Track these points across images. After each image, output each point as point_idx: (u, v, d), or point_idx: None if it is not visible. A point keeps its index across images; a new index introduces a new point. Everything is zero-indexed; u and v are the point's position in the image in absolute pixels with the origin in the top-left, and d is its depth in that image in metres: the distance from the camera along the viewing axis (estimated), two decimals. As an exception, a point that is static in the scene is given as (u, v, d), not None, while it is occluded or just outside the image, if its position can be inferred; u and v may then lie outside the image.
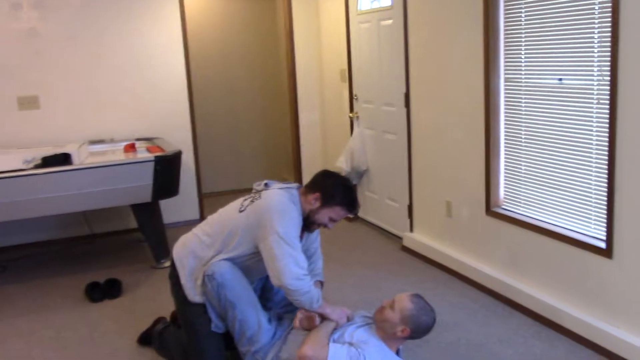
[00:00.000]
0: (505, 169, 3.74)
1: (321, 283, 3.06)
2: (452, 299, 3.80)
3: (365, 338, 2.65)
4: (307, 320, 2.77)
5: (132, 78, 5.38)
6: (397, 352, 2.73)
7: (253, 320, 2.74)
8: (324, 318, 2.77)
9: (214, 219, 2.92)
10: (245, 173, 7.10)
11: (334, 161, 5.60)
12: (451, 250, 4.27)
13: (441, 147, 4.26)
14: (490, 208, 3.80)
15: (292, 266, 2.58)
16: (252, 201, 2.79)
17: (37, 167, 4.04)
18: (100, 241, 5.37)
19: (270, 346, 2.76)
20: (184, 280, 2.83)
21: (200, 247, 2.84)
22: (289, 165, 6.75)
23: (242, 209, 2.80)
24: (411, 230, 4.80)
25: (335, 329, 2.73)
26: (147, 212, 4.49)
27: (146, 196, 4.33)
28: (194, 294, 2.80)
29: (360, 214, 5.67)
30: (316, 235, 3.05)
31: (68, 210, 4.28)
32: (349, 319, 2.81)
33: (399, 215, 4.98)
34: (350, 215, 2.87)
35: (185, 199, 5.59)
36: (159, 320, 3.31)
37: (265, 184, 2.87)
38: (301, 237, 2.83)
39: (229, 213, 2.86)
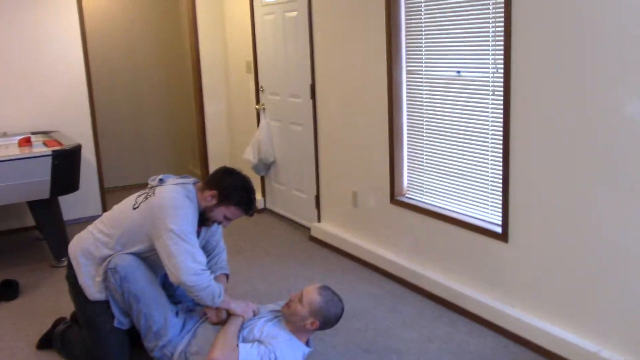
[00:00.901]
0: (409, 158, 3.85)
1: (226, 276, 3.06)
2: (360, 286, 3.87)
3: (275, 333, 2.67)
4: (215, 313, 2.77)
5: (26, 68, 5.12)
6: (307, 343, 2.76)
7: (159, 314, 2.70)
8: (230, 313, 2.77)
9: (107, 217, 2.87)
10: (151, 166, 6.93)
11: (241, 153, 5.57)
12: (358, 239, 4.35)
13: (347, 138, 4.32)
14: (395, 197, 3.90)
15: (189, 262, 2.56)
16: (145, 198, 2.75)
17: None
18: None
19: (179, 339, 2.73)
20: (82, 279, 2.78)
21: (96, 246, 2.78)
22: (196, 157, 6.66)
23: (136, 205, 2.75)
24: (319, 220, 4.85)
25: (243, 325, 2.73)
26: (46, 209, 4.33)
27: (44, 192, 4.17)
28: (93, 292, 2.76)
29: (268, 205, 5.68)
30: (216, 228, 3.04)
31: (-42, 208, 4.05)
32: (255, 313, 2.82)
33: (307, 206, 5.02)
34: (247, 216, 2.86)
35: (86, 194, 5.42)
36: (59, 321, 3.21)
37: (160, 180, 2.83)
38: (199, 232, 2.81)
39: (123, 210, 2.81)
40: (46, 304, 3.76)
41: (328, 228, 4.68)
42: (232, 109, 6.15)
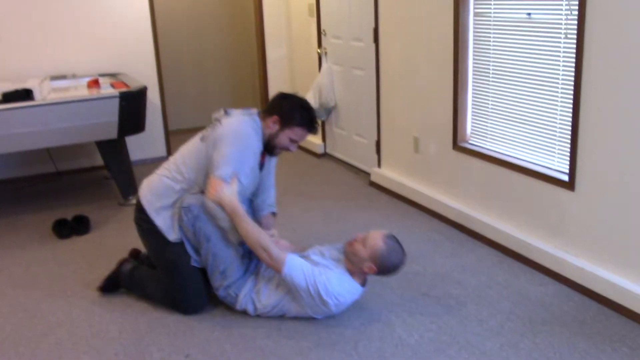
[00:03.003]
0: (473, 104, 3.78)
1: (273, 214, 3.10)
2: (419, 231, 3.88)
3: (330, 264, 2.72)
4: None
5: (92, 10, 5.22)
6: (363, 284, 2.79)
7: (226, 254, 2.76)
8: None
9: (175, 157, 2.92)
10: (212, 110, 6.95)
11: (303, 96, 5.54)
12: (418, 185, 4.33)
13: (410, 82, 4.27)
14: (457, 143, 3.85)
15: (228, 168, 2.63)
16: (212, 129, 2.80)
17: (-3, 103, 3.94)
18: (66, 179, 5.31)
19: (243, 281, 2.80)
20: (160, 221, 2.83)
21: (169, 187, 2.84)
22: (257, 101, 6.70)
23: (203, 137, 2.81)
24: (379, 165, 4.84)
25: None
26: (113, 149, 4.46)
27: (112, 133, 4.29)
28: (171, 232, 2.81)
29: (328, 149, 5.71)
30: (271, 168, 3.08)
31: (32, 147, 4.23)
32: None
33: (367, 151, 5.01)
34: (311, 134, 2.90)
35: (151, 135, 5.55)
36: (123, 261, 3.19)
37: (226, 112, 2.86)
38: (262, 163, 2.85)
39: (191, 147, 2.87)
40: (115, 238, 3.90)
41: (388, 173, 4.68)
42: (294, 53, 6.13)
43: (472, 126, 3.83)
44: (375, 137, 4.84)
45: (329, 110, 5.48)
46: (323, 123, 5.68)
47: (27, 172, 5.28)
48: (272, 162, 3.06)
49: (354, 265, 2.71)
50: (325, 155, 5.76)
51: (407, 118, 4.36)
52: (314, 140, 5.86)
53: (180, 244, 2.81)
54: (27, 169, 5.28)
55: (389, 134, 4.66)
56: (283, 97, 2.90)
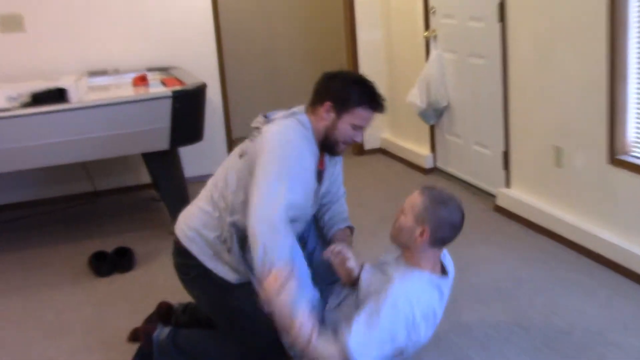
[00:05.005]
0: (638, 103, 3.69)
1: (351, 229, 3.09)
2: (563, 274, 3.81)
3: (387, 275, 2.67)
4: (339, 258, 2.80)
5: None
6: (442, 269, 2.74)
7: None
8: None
9: (213, 180, 2.95)
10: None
11: (404, 94, 5.59)
12: (561, 211, 4.25)
13: (548, 73, 4.20)
14: (615, 155, 3.77)
15: (271, 205, 2.55)
16: (251, 141, 2.82)
17: (24, 105, 4.08)
18: (106, 200, 5.47)
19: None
20: (211, 263, 2.85)
21: (209, 215, 2.87)
22: None
23: (242, 153, 2.83)
24: (507, 185, 4.79)
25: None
26: (164, 163, 4.54)
27: (162, 142, 4.37)
28: (228, 272, 2.84)
29: (439, 163, 5.70)
30: (338, 174, 3.09)
31: (64, 161, 4.35)
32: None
33: (492, 165, 4.96)
34: (378, 113, 2.87)
35: (211, 145, 5.62)
36: (149, 329, 3.16)
37: (265, 117, 2.88)
38: (321, 172, 2.86)
39: (229, 166, 2.89)
40: (165, 276, 3.88)
41: (520, 195, 4.61)
42: (393, 37, 6.16)
43: (636, 133, 3.73)
44: (502, 147, 4.79)
45: (439, 112, 5.46)
46: (432, 128, 5.67)
47: (59, 192, 5.47)
48: (337, 167, 3.08)
49: (409, 248, 2.68)
50: (434, 170, 5.75)
51: (546, 121, 4.29)
52: (419, 151, 5.86)
53: (244, 285, 2.82)
54: (59, 189, 5.46)
55: (520, 143, 4.60)
56: (329, 78, 2.91)
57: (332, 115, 2.81)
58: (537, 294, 3.59)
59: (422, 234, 2.63)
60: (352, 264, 2.77)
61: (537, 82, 4.33)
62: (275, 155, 2.66)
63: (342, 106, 2.80)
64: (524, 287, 3.69)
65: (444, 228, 2.66)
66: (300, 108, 2.90)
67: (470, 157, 5.24)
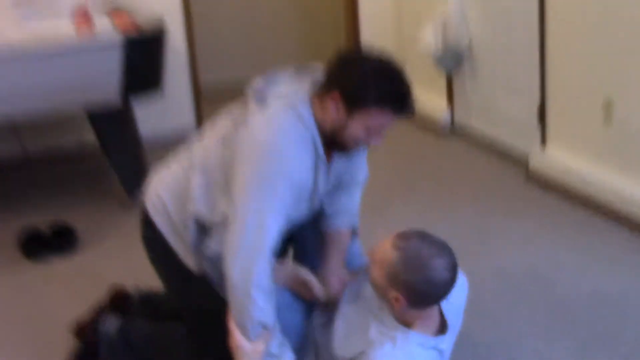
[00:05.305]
0: None
1: (353, 232, 2.94)
2: (614, 255, 3.68)
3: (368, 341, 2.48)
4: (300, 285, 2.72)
5: None
6: (443, 326, 2.50)
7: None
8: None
9: (202, 142, 2.76)
10: (267, 57, 7.04)
11: (414, 34, 5.54)
12: (611, 177, 4.09)
13: (596, 10, 4.02)
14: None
15: (244, 253, 2.40)
16: (235, 126, 2.55)
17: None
18: (40, 167, 5.34)
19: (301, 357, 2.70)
20: (174, 241, 2.70)
21: (180, 185, 2.68)
22: (340, 45, 6.57)
23: (225, 140, 2.59)
24: (543, 143, 4.63)
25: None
26: (114, 122, 4.45)
27: (112, 96, 4.24)
28: (188, 256, 2.67)
29: (459, 118, 5.66)
30: (359, 161, 2.83)
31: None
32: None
33: (524, 121, 4.82)
34: (404, 117, 2.56)
35: (173, 98, 5.48)
36: (98, 318, 3.08)
37: (265, 83, 2.56)
38: (329, 161, 2.60)
39: (210, 137, 2.69)
40: (114, 262, 3.85)
41: (559, 157, 4.46)
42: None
43: None
44: (537, 100, 4.61)
45: (459, 57, 5.31)
46: (450, 77, 5.58)
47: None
48: (359, 154, 2.80)
49: (389, 305, 2.49)
50: (453, 127, 5.65)
51: (592, 69, 4.15)
52: (434, 104, 5.73)
53: (207, 280, 2.69)
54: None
55: (560, 95, 4.45)
56: (344, 62, 2.54)
57: (342, 110, 2.44)
58: (581, 281, 3.46)
59: (396, 299, 2.37)
60: (317, 291, 2.68)
61: (580, 20, 4.20)
62: (258, 170, 2.43)
63: (354, 102, 2.43)
64: (565, 272, 3.56)
65: (422, 295, 2.39)
66: (304, 83, 2.56)
67: (498, 110, 5.12)
